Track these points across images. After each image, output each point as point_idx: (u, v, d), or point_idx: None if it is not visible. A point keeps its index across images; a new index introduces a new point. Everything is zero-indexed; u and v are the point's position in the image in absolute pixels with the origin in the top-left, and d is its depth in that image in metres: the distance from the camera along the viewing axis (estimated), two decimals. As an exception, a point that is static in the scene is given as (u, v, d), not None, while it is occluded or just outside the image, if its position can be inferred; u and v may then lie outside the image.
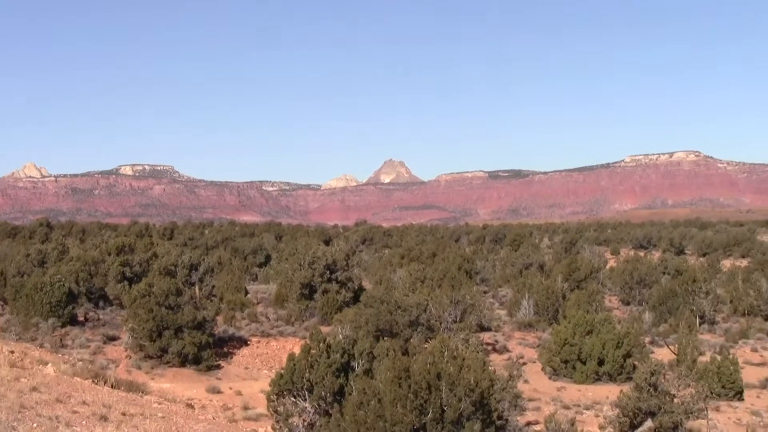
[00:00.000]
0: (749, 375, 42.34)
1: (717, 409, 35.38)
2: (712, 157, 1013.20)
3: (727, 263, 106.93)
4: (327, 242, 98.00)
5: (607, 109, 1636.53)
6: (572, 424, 29.11)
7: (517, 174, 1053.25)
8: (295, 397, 24.00)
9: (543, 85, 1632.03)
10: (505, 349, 49.10)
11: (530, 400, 34.69)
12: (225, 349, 44.72)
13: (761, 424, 33.55)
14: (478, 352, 31.72)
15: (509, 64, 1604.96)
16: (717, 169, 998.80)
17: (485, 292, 74.52)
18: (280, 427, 23.87)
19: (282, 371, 24.51)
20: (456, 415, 21.09)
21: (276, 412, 24.08)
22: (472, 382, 21.76)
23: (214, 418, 28.21)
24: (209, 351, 41.62)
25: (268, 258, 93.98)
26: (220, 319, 49.63)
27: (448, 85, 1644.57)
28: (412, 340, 41.14)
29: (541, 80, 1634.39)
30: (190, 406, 30.61)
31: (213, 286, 60.05)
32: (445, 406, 21.15)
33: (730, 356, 40.15)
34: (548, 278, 65.67)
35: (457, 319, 46.62)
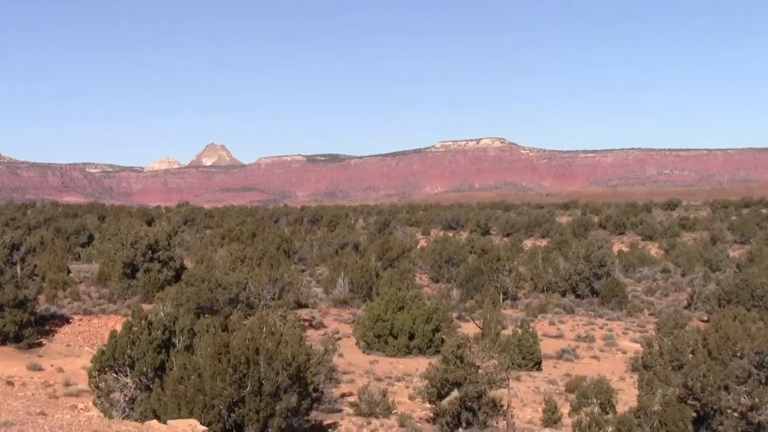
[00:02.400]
0: (547, 347, 44.85)
1: (518, 379, 37.44)
2: (516, 144, 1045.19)
3: (528, 243, 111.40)
4: (149, 223, 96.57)
5: (420, 97, 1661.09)
6: (384, 395, 30.48)
7: (334, 158, 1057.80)
8: (116, 373, 24.11)
9: (352, 72, 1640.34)
10: (321, 325, 50.11)
11: (345, 372, 35.80)
12: (47, 327, 43.90)
13: (557, 391, 35.85)
14: (295, 328, 32.41)
15: (319, 48, 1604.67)
16: (520, 155, 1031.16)
17: (303, 271, 75.37)
18: (102, 402, 24.01)
19: (104, 348, 24.56)
20: (274, 388, 21.85)
21: (97, 387, 24.15)
22: (289, 356, 22.56)
23: (33, 395, 28.25)
24: (30, 329, 40.87)
25: (90, 238, 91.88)
26: (42, 297, 48.65)
27: (267, 70, 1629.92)
28: (231, 317, 41.55)
29: (350, 66, 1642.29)
30: (9, 383, 30.45)
31: (35, 266, 58.66)
32: (263, 379, 21.85)
33: (530, 330, 42.32)
34: (363, 257, 67.00)
35: (276, 296, 47.38)
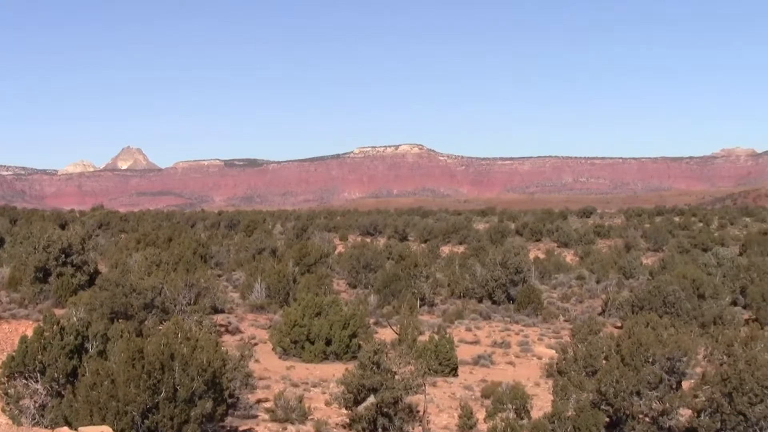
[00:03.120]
0: (463, 352, 45.13)
1: (434, 385, 37.52)
2: (434, 151, 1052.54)
3: (446, 249, 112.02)
4: (63, 226, 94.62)
5: (339, 103, 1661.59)
6: (300, 401, 30.32)
7: (252, 163, 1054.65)
8: (26, 379, 23.66)
9: (270, 76, 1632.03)
10: (237, 331, 49.72)
11: (261, 378, 35.58)
12: (-48, 333, 42.83)
13: (473, 397, 36.04)
14: (211, 334, 32.13)
15: (236, 52, 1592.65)
16: (438, 161, 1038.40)
17: (219, 276, 74.67)
18: (11, 408, 23.53)
19: (13, 354, 24.13)
20: (188, 394, 21.60)
21: (6, 394, 23.66)
22: (204, 362, 22.31)
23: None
24: (-67, 335, 39.91)
25: (1, 242, 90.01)
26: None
27: (184, 73, 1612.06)
28: (146, 322, 40.98)
29: (268, 71, 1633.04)
30: None
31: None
32: (178, 385, 21.59)
33: (447, 335, 42.59)
34: (280, 262, 66.64)
35: (192, 301, 46.85)
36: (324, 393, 34.51)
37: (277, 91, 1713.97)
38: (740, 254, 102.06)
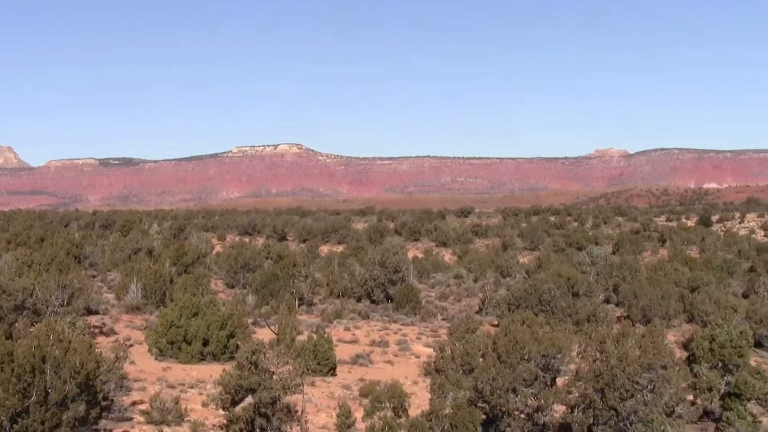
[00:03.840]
0: (342, 352, 45.10)
1: (312, 384, 37.42)
2: (313, 150, 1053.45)
3: (324, 249, 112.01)
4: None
5: (217, 101, 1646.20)
6: (176, 403, 29.87)
7: (128, 162, 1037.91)
8: None
9: (146, 75, 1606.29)
10: (112, 332, 48.65)
11: (136, 380, 34.92)
12: None
13: (351, 396, 36.07)
14: (84, 335, 31.50)
15: (111, 49, 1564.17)
16: (317, 161, 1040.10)
17: (94, 277, 73.12)
18: None
19: None
20: (60, 397, 21.11)
21: None
22: (77, 364, 21.83)
23: None
24: None
25: None
26: None
27: (57, 69, 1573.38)
28: (17, 325, 39.87)
29: (144, 69, 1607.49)
30: None
31: None
32: (49, 388, 21.09)
33: (325, 335, 42.54)
34: (156, 263, 65.64)
35: (65, 303, 45.75)
36: (201, 394, 34.06)
37: (154, 89, 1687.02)
38: (613, 253, 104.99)
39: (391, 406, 29.46)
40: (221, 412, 28.82)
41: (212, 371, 37.80)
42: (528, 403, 27.12)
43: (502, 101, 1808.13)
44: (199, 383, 36.74)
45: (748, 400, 32.59)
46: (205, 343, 42.40)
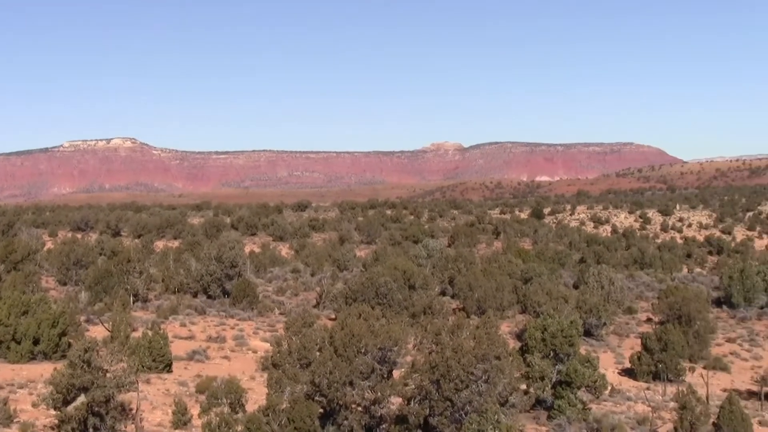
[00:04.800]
0: (178, 348, 44.52)
1: (148, 382, 36.80)
2: (147, 145, 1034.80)
3: (160, 244, 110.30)
4: None
5: (48, 94, 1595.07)
6: (5, 404, 28.89)
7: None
8: None
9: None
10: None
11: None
12: None
13: (187, 393, 35.61)
14: None
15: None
16: (152, 155, 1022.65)
17: None
18: None
19: None
20: None
21: None
22: None
23: None
24: None
25: None
26: None
27: None
28: None
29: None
30: None
31: None
32: None
33: (161, 331, 41.87)
34: (-19, 260, 63.25)
35: None
36: (31, 394, 33.12)
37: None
38: (449, 245, 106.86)
39: (228, 402, 29.27)
40: (53, 412, 28.01)
41: (43, 370, 36.77)
42: (365, 396, 27.33)
43: (338, 95, 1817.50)
44: (29, 383, 35.68)
45: (579, 388, 33.79)
46: (36, 342, 41.18)
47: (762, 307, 67.71)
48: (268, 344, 44.51)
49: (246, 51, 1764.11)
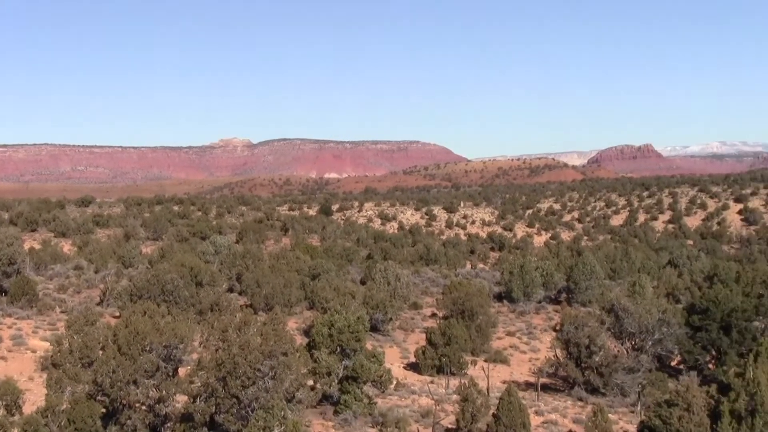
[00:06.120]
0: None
1: None
2: None
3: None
4: None
5: None
6: None
7: None
8: None
9: None
10: None
11: None
12: None
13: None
14: None
15: None
16: None
17: None
18: None
19: None
20: None
21: None
22: None
23: None
24: None
25: None
26: None
27: None
28: None
29: None
30: None
31: None
32: None
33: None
34: None
35: None
36: None
37: None
38: (237, 242, 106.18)
39: (4, 404, 28.06)
40: None
41: None
42: (149, 395, 26.84)
43: (124, 89, 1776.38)
44: None
45: (365, 382, 34.24)
46: None
47: (540, 302, 70.70)
48: (48, 343, 42.98)
49: (25, 41, 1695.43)
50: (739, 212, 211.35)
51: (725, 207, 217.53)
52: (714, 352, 48.81)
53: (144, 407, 27.00)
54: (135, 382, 26.59)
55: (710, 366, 48.00)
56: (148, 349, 27.20)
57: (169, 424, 27.67)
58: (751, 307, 50.27)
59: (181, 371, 28.90)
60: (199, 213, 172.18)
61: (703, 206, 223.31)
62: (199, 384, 27.37)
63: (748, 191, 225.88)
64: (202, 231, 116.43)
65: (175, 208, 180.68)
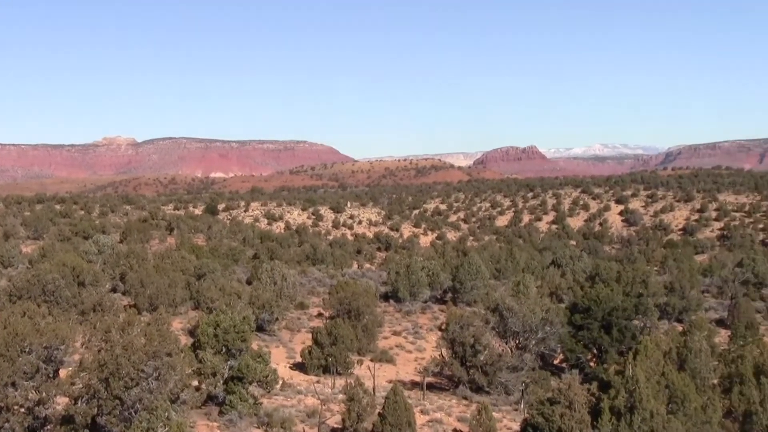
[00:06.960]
0: None
1: None
2: None
3: None
4: None
5: None
6: None
7: None
8: None
9: None
10: None
11: None
12: None
13: None
14: None
15: None
16: None
17: None
18: None
19: None
20: None
21: None
22: None
23: None
24: None
25: None
26: None
27: None
28: None
29: None
30: None
31: None
32: None
33: None
34: None
35: None
36: None
37: None
38: (121, 241, 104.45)
39: None
40: None
41: None
42: (29, 397, 26.27)
43: (3, 84, 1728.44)
44: None
45: (250, 383, 34.13)
46: None
47: (426, 301, 71.33)
48: None
49: None
50: (620, 213, 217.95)
51: (607, 208, 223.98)
52: (595, 351, 50.12)
53: (23, 410, 26.41)
54: (13, 384, 25.99)
55: (591, 364, 49.17)
56: (27, 350, 26.62)
57: (49, 427, 27.13)
58: (631, 306, 51.84)
59: (63, 373, 28.36)
60: (82, 212, 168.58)
61: (586, 207, 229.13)
62: (81, 385, 26.90)
63: (629, 193, 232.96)
64: (84, 230, 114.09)
65: (57, 207, 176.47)
